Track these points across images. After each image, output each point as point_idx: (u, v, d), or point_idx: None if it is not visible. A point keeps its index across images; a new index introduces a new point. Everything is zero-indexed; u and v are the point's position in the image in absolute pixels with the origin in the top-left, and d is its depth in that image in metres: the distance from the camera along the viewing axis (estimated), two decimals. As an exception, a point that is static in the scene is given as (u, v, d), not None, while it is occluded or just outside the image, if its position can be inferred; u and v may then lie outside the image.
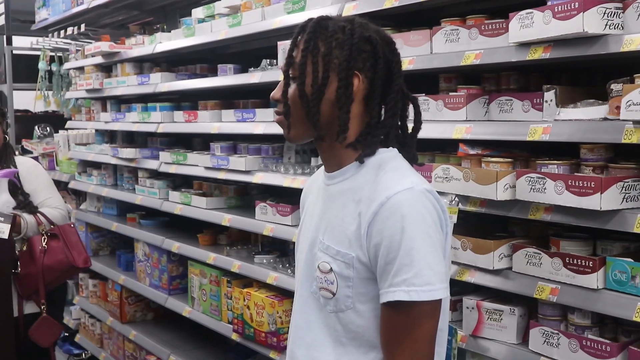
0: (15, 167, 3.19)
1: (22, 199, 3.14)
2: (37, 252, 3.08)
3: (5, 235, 3.00)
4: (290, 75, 1.56)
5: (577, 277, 1.89)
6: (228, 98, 3.71)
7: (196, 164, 3.51)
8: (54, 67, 6.05)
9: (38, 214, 3.12)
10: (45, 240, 3.09)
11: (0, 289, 3.07)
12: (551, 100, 2.00)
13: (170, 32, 3.87)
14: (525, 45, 1.94)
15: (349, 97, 1.51)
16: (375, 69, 1.52)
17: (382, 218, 1.44)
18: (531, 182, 1.94)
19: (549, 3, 1.89)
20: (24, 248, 3.09)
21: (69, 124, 5.39)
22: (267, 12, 2.98)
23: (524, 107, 2.08)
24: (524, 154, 2.14)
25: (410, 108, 1.63)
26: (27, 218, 3.08)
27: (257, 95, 3.59)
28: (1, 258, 3.05)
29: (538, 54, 1.91)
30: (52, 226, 3.12)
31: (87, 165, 5.01)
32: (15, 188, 3.15)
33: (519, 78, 2.25)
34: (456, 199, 2.11)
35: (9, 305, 3.08)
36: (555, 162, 1.98)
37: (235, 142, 3.48)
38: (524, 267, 2.02)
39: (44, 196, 3.19)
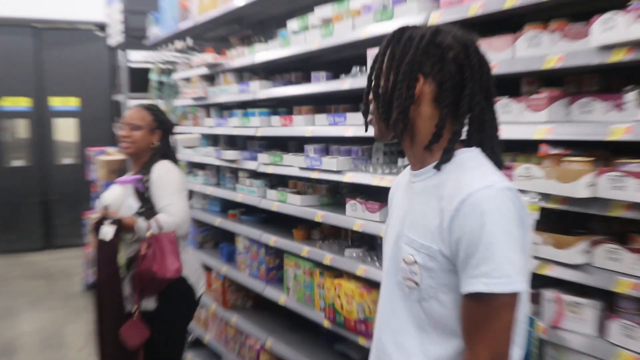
0: (152, 172, 3.18)
1: (143, 204, 3.14)
2: (140, 257, 3.05)
3: (108, 238, 3.00)
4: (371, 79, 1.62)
5: (658, 272, 1.83)
6: (321, 103, 3.73)
7: (291, 164, 3.55)
8: (164, 78, 6.26)
9: (152, 220, 3.07)
10: (145, 247, 3.04)
11: (108, 287, 3.08)
12: (632, 101, 1.93)
13: (267, 43, 3.94)
14: (608, 47, 1.88)
15: (407, 98, 1.52)
16: (443, 73, 1.52)
17: (463, 214, 1.43)
18: (612, 180, 1.88)
19: (631, 6, 1.83)
20: (140, 251, 3.06)
21: (177, 129, 5.56)
22: (357, 23, 2.99)
23: (605, 108, 2.02)
24: (605, 154, 2.08)
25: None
26: (140, 222, 3.06)
27: (348, 101, 3.61)
28: (105, 258, 3.05)
29: (620, 56, 1.85)
30: (156, 233, 3.05)
31: (193, 166, 5.16)
32: (140, 194, 3.15)
33: (600, 80, 2.19)
34: (537, 196, 2.07)
35: (118, 301, 3.07)
36: (637, 161, 1.91)
37: (327, 144, 3.50)
38: (604, 262, 1.96)
39: (165, 202, 3.12)
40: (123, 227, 3.05)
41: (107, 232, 3.03)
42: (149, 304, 3.15)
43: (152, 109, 3.39)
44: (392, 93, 1.55)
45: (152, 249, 3.03)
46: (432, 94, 1.53)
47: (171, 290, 3.14)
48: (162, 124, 3.36)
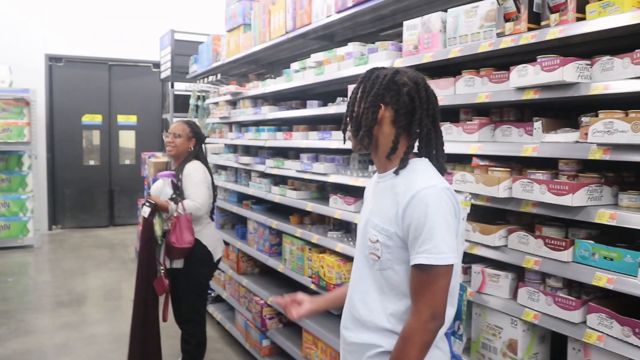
0: (184, 169, 3.24)
1: (175, 192, 3.20)
2: (168, 231, 3.13)
3: (146, 215, 3.09)
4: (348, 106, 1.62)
5: (553, 252, 1.82)
6: (313, 123, 3.72)
7: (290, 168, 3.53)
8: (199, 103, 6.24)
9: (180, 203, 3.13)
10: (172, 223, 3.11)
11: (147, 251, 3.15)
12: (539, 128, 1.93)
13: (275, 78, 3.93)
14: (521, 89, 1.89)
15: (372, 120, 1.52)
16: (399, 102, 1.51)
17: (413, 206, 1.43)
18: (523, 185, 1.87)
19: (538, 60, 1.83)
20: (170, 226, 3.14)
21: (208, 140, 5.54)
22: (341, 65, 2.98)
23: (520, 132, 2.02)
24: (519, 166, 2.08)
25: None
26: (171, 205, 3.13)
27: (333, 122, 3.60)
28: (143, 230, 3.14)
29: (530, 95, 1.85)
30: (182, 213, 3.12)
31: (218, 168, 5.14)
32: (174, 184, 3.22)
33: (516, 112, 2.18)
34: (469, 196, 2.06)
35: (149, 261, 3.15)
36: (541, 171, 1.91)
37: (317, 154, 3.49)
38: (516, 245, 1.96)
39: (189, 191, 3.19)
40: (158, 208, 3.12)
41: (146, 210, 3.11)
42: (178, 264, 3.21)
43: (190, 124, 3.45)
44: (361, 116, 1.54)
45: (175, 225, 3.09)
46: (391, 118, 1.53)
47: (195, 254, 3.22)
48: (196, 135, 3.42)
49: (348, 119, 1.62)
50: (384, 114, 1.53)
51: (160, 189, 3.24)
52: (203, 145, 3.46)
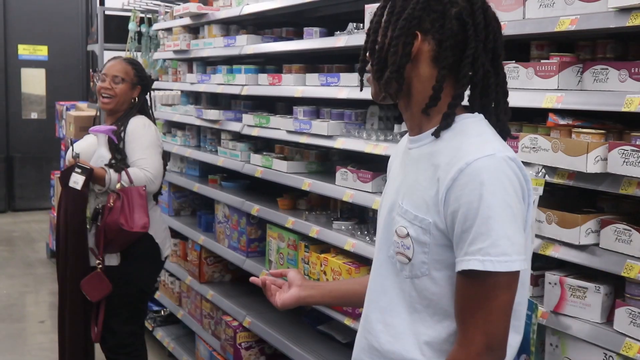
0: (127, 125, 3.28)
1: (115, 156, 3.23)
2: (107, 209, 3.17)
3: (79, 187, 3.11)
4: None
5: (671, 257, 1.83)
6: (313, 62, 3.69)
7: (278, 127, 3.52)
8: (143, 29, 6.19)
9: (123, 172, 3.18)
10: (113, 199, 3.16)
11: (75, 237, 3.20)
12: (651, 70, 1.94)
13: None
14: (626, 10, 1.86)
15: (403, 56, 1.51)
16: (443, 30, 1.51)
17: (461, 184, 1.42)
18: (624, 154, 1.86)
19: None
20: (108, 203, 3.18)
21: (155, 84, 5.50)
22: (356, -26, 2.98)
23: (621, 76, 2.00)
24: (618, 126, 2.08)
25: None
26: (111, 174, 3.16)
27: (343, 60, 3.58)
28: (74, 208, 3.17)
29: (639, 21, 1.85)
30: (127, 186, 3.17)
31: (171, 126, 5.13)
32: (113, 145, 3.25)
33: (616, 46, 2.16)
34: (543, 170, 2.06)
35: (84, 253, 3.20)
36: (653, 135, 1.92)
37: (318, 107, 3.49)
38: (613, 244, 1.96)
39: (137, 156, 3.24)
40: (93, 178, 3.14)
41: (78, 179, 3.12)
42: (112, 260, 3.26)
43: (135, 64, 3.50)
44: (388, 50, 1.54)
45: (121, 201, 3.14)
46: (431, 53, 1.52)
47: (137, 248, 3.28)
48: (142, 80, 3.47)
49: (368, 54, 1.62)
50: (422, 46, 1.52)
51: (91, 149, 3.26)
52: (149, 95, 3.49)
